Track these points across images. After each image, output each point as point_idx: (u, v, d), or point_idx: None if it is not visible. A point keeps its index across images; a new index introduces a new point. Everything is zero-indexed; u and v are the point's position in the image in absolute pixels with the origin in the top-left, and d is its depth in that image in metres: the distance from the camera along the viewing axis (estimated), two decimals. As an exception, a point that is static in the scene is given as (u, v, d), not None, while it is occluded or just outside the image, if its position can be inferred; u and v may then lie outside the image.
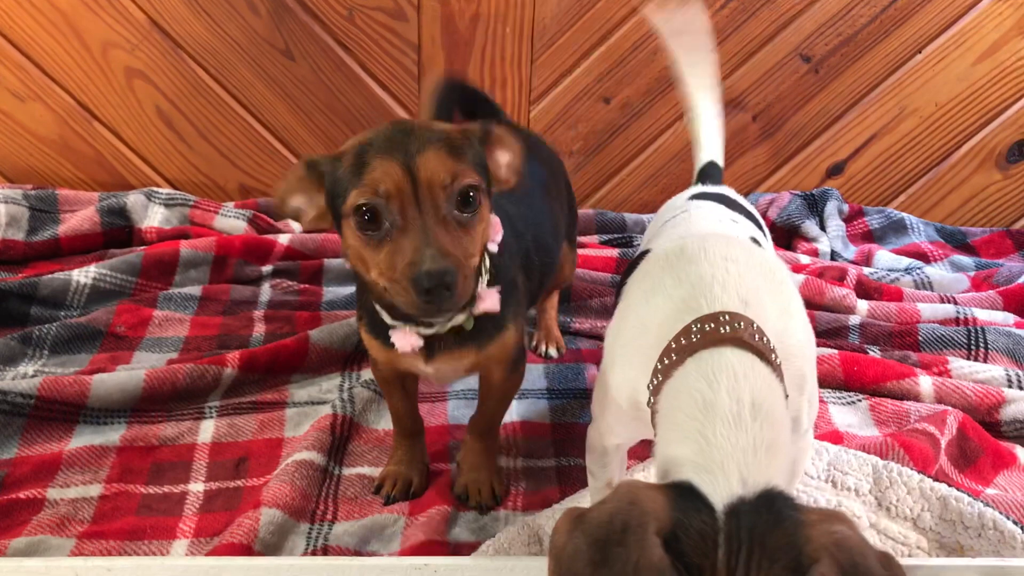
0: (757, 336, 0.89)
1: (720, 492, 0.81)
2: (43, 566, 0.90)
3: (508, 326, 1.27)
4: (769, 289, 0.99)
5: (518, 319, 1.33)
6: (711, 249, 1.00)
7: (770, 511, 0.79)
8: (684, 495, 0.81)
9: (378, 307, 1.22)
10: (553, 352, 1.80)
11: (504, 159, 1.20)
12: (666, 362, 0.90)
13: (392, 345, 1.22)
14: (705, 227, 1.22)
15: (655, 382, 0.92)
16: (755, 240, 1.24)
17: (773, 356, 0.90)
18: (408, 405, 1.40)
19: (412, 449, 1.43)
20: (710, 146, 1.53)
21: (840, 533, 0.78)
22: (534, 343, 1.83)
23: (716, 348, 0.88)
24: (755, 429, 0.83)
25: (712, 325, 0.90)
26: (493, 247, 1.23)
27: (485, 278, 1.22)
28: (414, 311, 1.07)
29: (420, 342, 1.20)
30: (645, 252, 1.19)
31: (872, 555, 0.78)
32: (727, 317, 0.90)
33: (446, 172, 1.05)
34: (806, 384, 1.01)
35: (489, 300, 1.20)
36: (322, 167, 1.12)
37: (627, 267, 1.25)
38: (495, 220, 1.22)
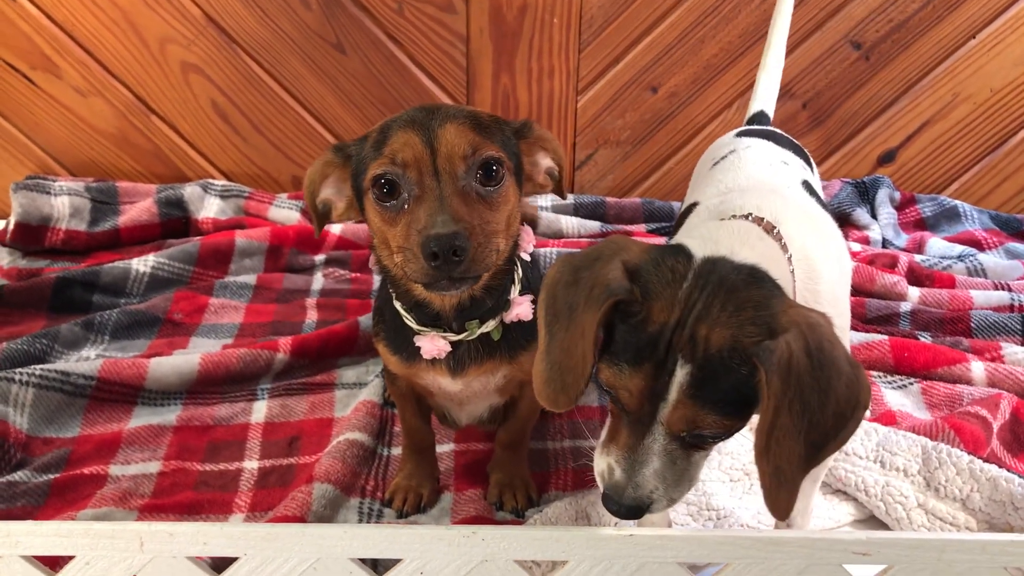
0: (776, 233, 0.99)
1: (706, 250, 0.89)
2: (110, 530, 0.94)
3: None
4: (816, 240, 1.05)
5: None
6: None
7: (752, 275, 0.87)
8: (670, 248, 0.92)
9: (402, 311, 1.18)
10: None
11: (544, 162, 1.17)
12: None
13: (413, 359, 1.19)
14: (755, 174, 1.23)
15: None
16: (807, 184, 1.24)
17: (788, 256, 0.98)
18: (422, 420, 1.37)
19: (422, 463, 1.40)
20: (764, 96, 1.63)
21: (815, 318, 0.83)
22: None
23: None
24: (756, 243, 0.94)
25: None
26: (525, 256, 1.20)
27: (517, 287, 1.19)
28: (424, 278, 1.02)
29: (448, 347, 1.16)
30: (693, 205, 1.20)
31: (842, 349, 0.83)
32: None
33: (466, 143, 1.03)
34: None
35: (521, 307, 1.17)
36: (349, 150, 1.12)
37: (677, 220, 1.26)
38: (526, 228, 1.19)
